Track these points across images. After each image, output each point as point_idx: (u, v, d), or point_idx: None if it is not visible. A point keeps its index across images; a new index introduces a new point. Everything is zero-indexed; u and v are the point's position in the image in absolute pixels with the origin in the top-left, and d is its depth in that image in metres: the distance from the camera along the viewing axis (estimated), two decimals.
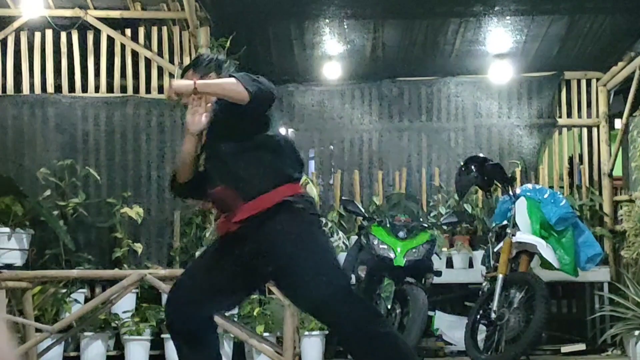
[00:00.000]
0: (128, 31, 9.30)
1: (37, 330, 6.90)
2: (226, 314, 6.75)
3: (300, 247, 4.20)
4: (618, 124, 10.51)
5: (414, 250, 7.81)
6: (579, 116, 10.55)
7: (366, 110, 10.60)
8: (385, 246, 7.81)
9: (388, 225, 7.96)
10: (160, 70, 9.29)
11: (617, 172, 10.39)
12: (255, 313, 8.15)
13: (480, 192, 9.56)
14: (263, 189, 4.21)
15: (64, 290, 8.18)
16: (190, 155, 4.37)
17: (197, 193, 4.56)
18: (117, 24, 9.27)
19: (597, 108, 10.45)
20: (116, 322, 8.23)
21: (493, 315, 7.17)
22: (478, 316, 7.41)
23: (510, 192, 7.80)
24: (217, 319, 6.31)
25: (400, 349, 4.23)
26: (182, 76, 4.57)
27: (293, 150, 4.40)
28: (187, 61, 9.12)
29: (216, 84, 4.20)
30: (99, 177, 8.86)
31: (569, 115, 10.55)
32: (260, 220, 4.19)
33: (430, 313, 7.85)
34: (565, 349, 9.10)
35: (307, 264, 4.18)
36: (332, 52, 9.99)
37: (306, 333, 8.10)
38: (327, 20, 9.33)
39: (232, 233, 4.29)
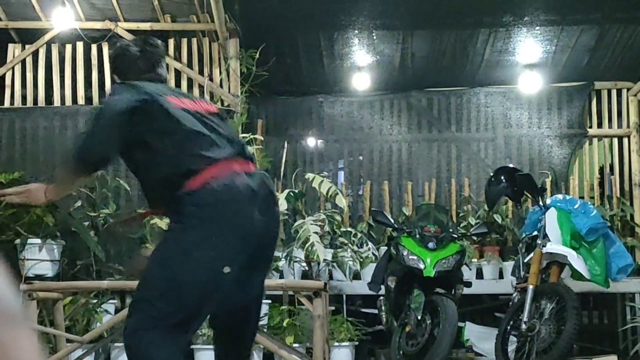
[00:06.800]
0: None
1: (68, 340, 6.93)
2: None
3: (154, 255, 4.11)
4: None
5: (443, 261, 7.77)
6: (610, 126, 10.50)
7: (395, 121, 10.60)
8: (415, 257, 7.77)
9: (417, 236, 7.93)
10: (190, 81, 9.33)
11: None
12: (284, 324, 8.15)
13: (510, 202, 9.54)
14: (166, 201, 4.16)
15: (95, 301, 8.21)
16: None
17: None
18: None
19: (627, 118, 10.40)
20: None
21: (524, 327, 7.12)
22: (508, 327, 7.36)
23: (541, 203, 7.75)
24: None
25: None
26: None
27: (191, 144, 4.03)
28: (216, 73, 9.17)
29: (58, 184, 4.19)
30: (129, 188, 8.90)
31: (600, 125, 10.50)
32: None
33: (461, 324, 7.80)
34: None
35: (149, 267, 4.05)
36: (361, 62, 10.00)
37: (336, 344, 8.09)
38: (356, 31, 9.35)
39: None
